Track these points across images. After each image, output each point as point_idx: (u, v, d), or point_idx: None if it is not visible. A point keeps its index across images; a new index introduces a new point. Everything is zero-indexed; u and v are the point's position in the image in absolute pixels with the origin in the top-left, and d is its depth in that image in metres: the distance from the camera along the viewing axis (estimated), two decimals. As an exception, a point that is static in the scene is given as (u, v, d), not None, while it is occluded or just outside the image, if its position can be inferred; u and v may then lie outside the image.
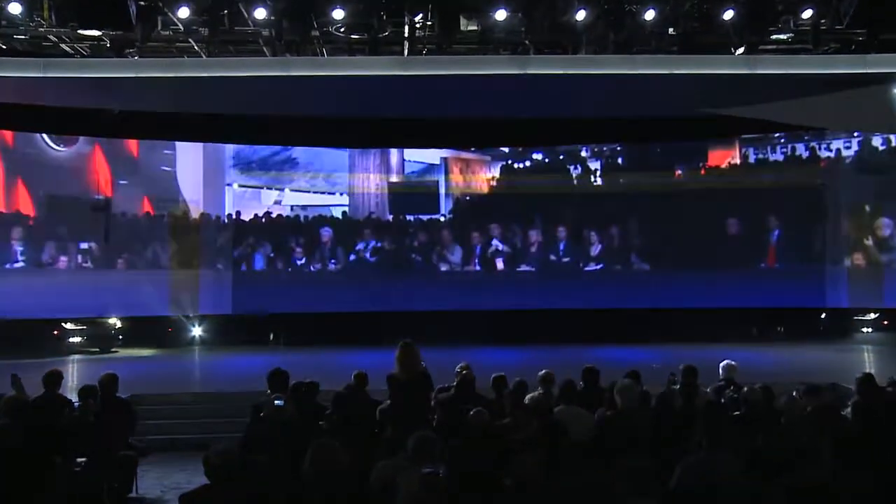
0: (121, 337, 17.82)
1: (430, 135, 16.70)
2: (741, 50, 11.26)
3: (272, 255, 19.49)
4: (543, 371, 8.08)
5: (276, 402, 6.78)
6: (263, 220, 19.87)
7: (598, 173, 20.19)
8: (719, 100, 11.32)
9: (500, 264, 19.51)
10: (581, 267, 19.50)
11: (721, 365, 8.26)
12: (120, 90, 11.83)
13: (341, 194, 20.43)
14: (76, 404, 7.25)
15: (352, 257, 19.59)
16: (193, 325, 18.40)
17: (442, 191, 20.22)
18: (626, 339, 17.09)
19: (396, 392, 7.27)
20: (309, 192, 20.44)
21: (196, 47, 12.24)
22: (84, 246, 18.85)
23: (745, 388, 7.07)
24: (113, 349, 17.48)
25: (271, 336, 18.63)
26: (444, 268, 19.50)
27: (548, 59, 11.45)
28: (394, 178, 20.41)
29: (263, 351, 17.59)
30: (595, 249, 19.47)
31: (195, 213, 19.70)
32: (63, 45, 12.28)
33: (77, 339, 17.43)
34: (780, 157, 19.61)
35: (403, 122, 14.82)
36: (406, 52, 12.08)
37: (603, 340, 17.34)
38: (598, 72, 10.84)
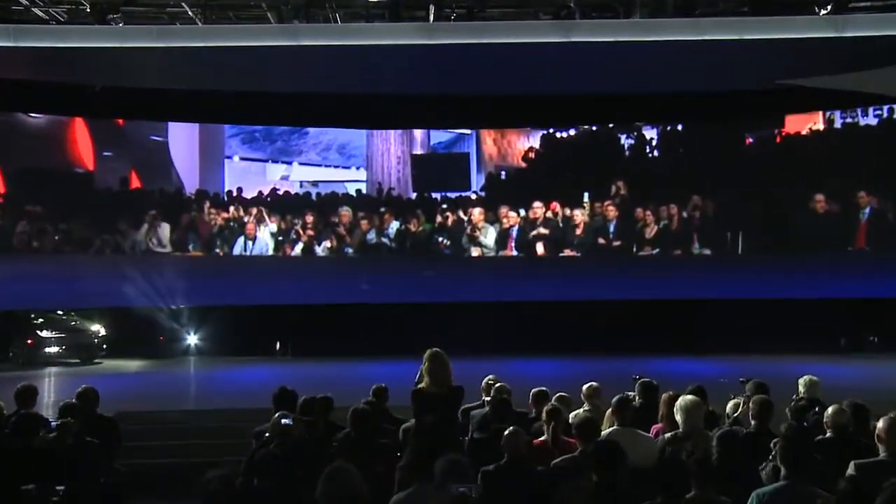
0: (105, 346, 17.77)
1: (458, 114, 16.69)
2: (826, 10, 10.94)
3: (279, 238, 19.52)
4: (589, 384, 8.00)
5: (282, 421, 6.75)
6: (269, 198, 19.89)
7: (655, 143, 20.03)
8: (799, 69, 11.06)
9: (540, 248, 19.44)
10: (634, 251, 19.39)
11: (801, 380, 8.11)
12: (102, 62, 11.79)
13: (357, 168, 20.41)
14: (53, 424, 7.25)
15: (370, 240, 19.59)
16: (188, 333, 18.47)
17: (473, 164, 20.17)
18: (684, 335, 16.96)
19: (423, 409, 7.19)
20: (320, 166, 20.48)
21: (190, 12, 12.14)
22: (63, 226, 18.98)
23: (832, 409, 6.90)
24: (96, 360, 17.53)
25: (277, 345, 18.74)
26: (475, 252, 19.45)
27: (596, 24, 11.24)
28: (418, 150, 20.38)
29: (268, 362, 17.70)
30: (650, 231, 19.33)
31: (190, 190, 19.77)
32: (35, 10, 12.24)
33: (54, 350, 17.29)
34: (874, 121, 19.20)
35: (428, 100, 14.71)
36: (431, 17, 11.91)
37: (656, 335, 17.29)
38: (654, 38, 10.61)
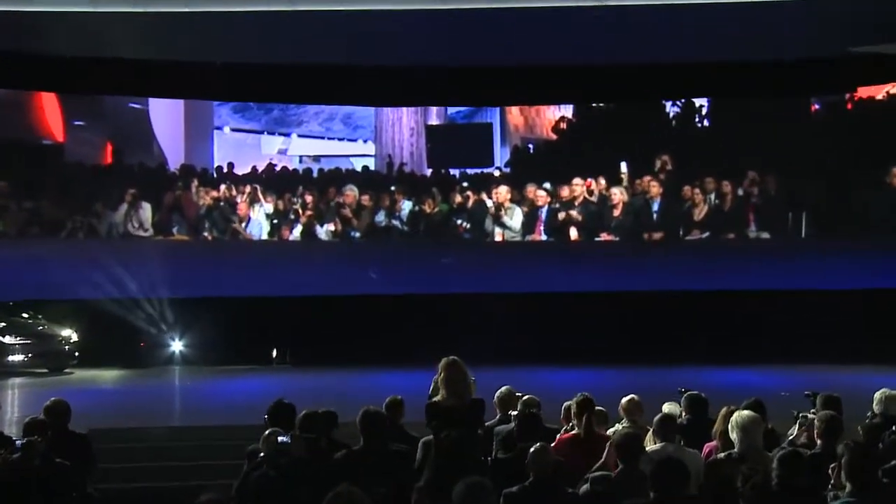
0: (77, 354, 17.64)
1: (477, 89, 16.58)
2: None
3: (275, 221, 19.56)
4: (629, 398, 7.97)
5: (279, 438, 6.76)
6: (264, 174, 19.94)
7: (705, 111, 19.93)
8: (878, 34, 10.91)
9: (573, 232, 19.38)
10: (681, 235, 19.35)
11: (876, 395, 8.04)
12: (72, 30, 11.75)
13: (365, 141, 20.50)
14: (17, 443, 7.22)
15: (379, 223, 19.62)
16: (173, 339, 18.50)
17: (497, 136, 20.16)
18: (738, 333, 16.89)
19: (440, 425, 7.19)
20: (323, 138, 20.58)
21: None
22: (28, 205, 19.03)
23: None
24: (67, 369, 17.49)
25: (274, 352, 18.77)
26: (498, 237, 19.44)
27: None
28: (433, 121, 20.39)
29: (263, 371, 17.75)
30: (699, 212, 19.24)
31: (174, 165, 19.82)
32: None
33: (19, 358, 17.12)
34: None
35: (444, 72, 14.63)
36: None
37: (706, 333, 17.23)
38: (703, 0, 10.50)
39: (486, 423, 7.84)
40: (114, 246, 18.77)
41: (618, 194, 19.27)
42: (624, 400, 8.02)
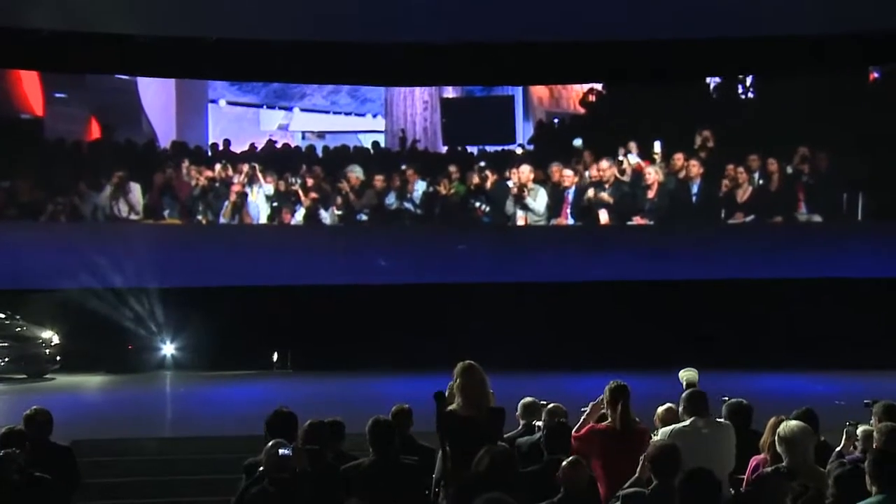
0: (58, 358, 17.67)
1: (497, 67, 16.48)
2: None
3: (276, 203, 19.56)
4: (666, 406, 7.90)
5: (280, 451, 6.75)
6: (263, 152, 19.91)
7: (749, 81, 19.86)
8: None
9: (602, 216, 19.41)
10: (722, 218, 19.31)
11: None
12: (53, 2, 11.74)
13: (374, 116, 20.42)
14: (-6, 457, 7.29)
15: (389, 205, 19.62)
16: (163, 342, 18.53)
17: (519, 110, 20.08)
18: (786, 329, 16.90)
19: (456, 436, 7.16)
20: (328, 112, 20.45)
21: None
22: (6, 185, 19.08)
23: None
24: (48, 375, 17.53)
25: (274, 356, 18.78)
26: (521, 221, 19.44)
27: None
28: (449, 94, 20.32)
29: (263, 377, 17.77)
30: (743, 193, 19.18)
31: (164, 142, 19.78)
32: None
33: None
34: None
35: (461, 49, 14.55)
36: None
37: (751, 327, 17.17)
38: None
39: (507, 435, 7.83)
40: (99, 231, 18.87)
41: (652, 174, 19.24)
42: (661, 409, 7.96)
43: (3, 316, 17.86)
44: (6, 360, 17.22)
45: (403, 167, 19.74)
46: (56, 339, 17.64)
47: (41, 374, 17.46)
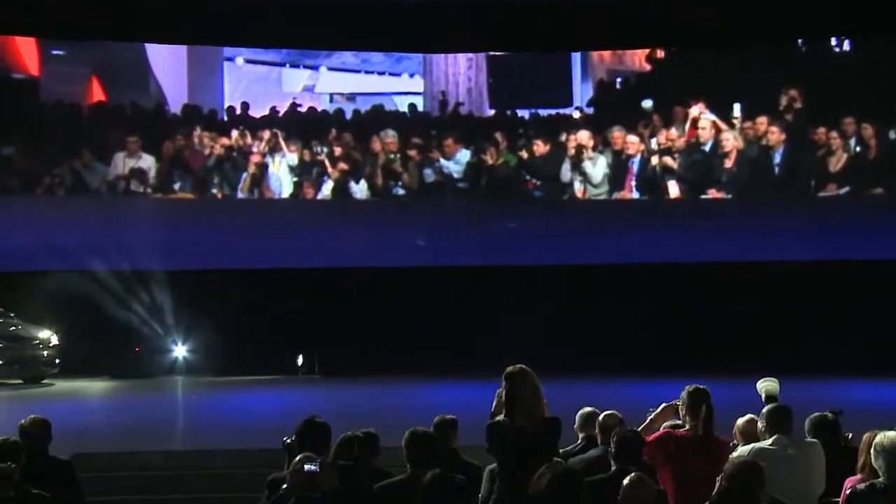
0: (58, 361, 17.71)
1: (550, 30, 16.30)
2: None
3: (300, 175, 19.58)
4: (748, 417, 7.66)
5: (306, 466, 6.70)
6: (285, 117, 19.96)
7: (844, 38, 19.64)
8: None
9: (673, 188, 19.35)
10: (812, 191, 19.22)
11: None
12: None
13: (411, 76, 20.50)
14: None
15: (427, 177, 19.61)
16: (174, 343, 18.64)
17: (576, 68, 20.05)
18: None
19: (506, 451, 7.10)
20: (359, 72, 20.54)
21: None
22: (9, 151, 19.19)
23: None
24: (45, 380, 17.60)
25: (299, 360, 18.83)
26: (578, 194, 19.39)
27: None
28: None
29: (286, 384, 17.85)
30: (836, 162, 18.99)
31: (175, 105, 19.85)
32: None
33: None
34: None
35: (505, 8, 14.45)
36: None
37: (845, 317, 17.04)
38: None
39: (563, 450, 7.77)
40: (101, 205, 18.95)
41: (730, 140, 19.12)
42: (741, 420, 7.77)
43: None
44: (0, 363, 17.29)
45: (444, 134, 19.69)
46: (55, 340, 17.69)
47: (38, 378, 17.57)
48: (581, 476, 5.90)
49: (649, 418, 7.34)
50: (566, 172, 19.36)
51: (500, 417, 7.17)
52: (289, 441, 7.41)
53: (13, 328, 17.75)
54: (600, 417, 8.06)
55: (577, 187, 19.41)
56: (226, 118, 19.95)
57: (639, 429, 7.24)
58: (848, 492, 6.67)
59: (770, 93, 19.22)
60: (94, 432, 12.63)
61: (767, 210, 19.01)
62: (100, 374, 17.94)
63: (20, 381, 17.38)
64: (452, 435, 7.98)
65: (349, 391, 16.13)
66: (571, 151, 19.32)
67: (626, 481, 6.22)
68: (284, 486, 6.78)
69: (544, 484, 5.81)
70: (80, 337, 17.83)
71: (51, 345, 17.65)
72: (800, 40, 19.70)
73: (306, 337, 18.51)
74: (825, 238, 18.61)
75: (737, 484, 6.28)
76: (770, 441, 6.95)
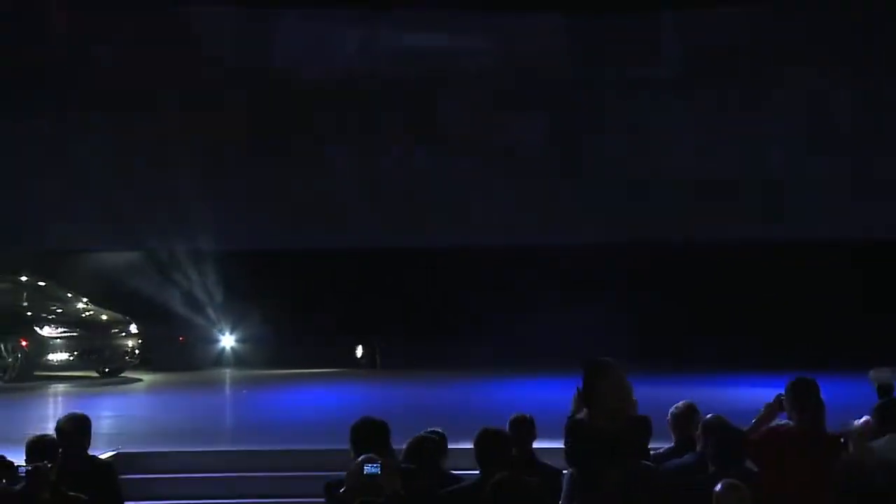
0: (138, 352, 17.59)
1: None
2: None
3: (350, 145, 19.58)
4: (864, 419, 7.71)
5: (366, 468, 6.85)
6: (336, 76, 19.85)
7: None
8: None
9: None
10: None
11: None
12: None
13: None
14: (21, 470, 7.39)
15: (497, 146, 19.61)
16: (221, 332, 18.83)
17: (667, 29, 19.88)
18: None
19: (588, 454, 7.25)
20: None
21: None
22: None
23: None
24: (122, 373, 17.55)
25: (359, 351, 18.96)
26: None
27: None
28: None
29: (343, 377, 17.88)
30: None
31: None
32: None
33: (62, 357, 16.81)
34: None
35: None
36: None
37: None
38: None
39: (654, 452, 7.83)
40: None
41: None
42: (857, 422, 7.76)
43: (70, 296, 17.89)
44: (74, 353, 16.99)
45: (521, 99, 19.63)
46: (134, 328, 17.53)
47: (117, 372, 17.50)
48: (656, 478, 6.01)
49: (753, 421, 7.36)
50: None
51: (581, 416, 7.18)
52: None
53: (87, 314, 17.72)
54: (703, 419, 7.87)
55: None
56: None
57: (749, 428, 7.27)
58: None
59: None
60: (137, 429, 12.85)
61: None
62: (140, 367, 17.86)
63: (98, 375, 17.38)
64: (528, 435, 7.95)
65: (413, 386, 16.22)
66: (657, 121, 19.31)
67: (717, 487, 6.35)
68: (342, 490, 6.78)
69: (614, 485, 6.05)
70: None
71: (132, 332, 17.54)
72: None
73: (363, 319, 18.70)
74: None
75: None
76: (882, 441, 7.10)
